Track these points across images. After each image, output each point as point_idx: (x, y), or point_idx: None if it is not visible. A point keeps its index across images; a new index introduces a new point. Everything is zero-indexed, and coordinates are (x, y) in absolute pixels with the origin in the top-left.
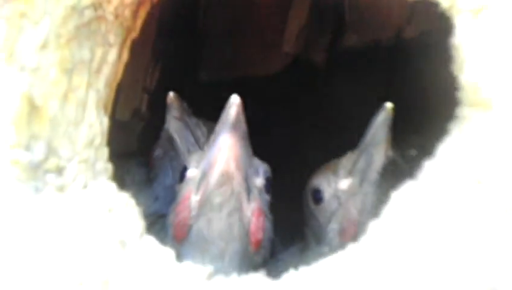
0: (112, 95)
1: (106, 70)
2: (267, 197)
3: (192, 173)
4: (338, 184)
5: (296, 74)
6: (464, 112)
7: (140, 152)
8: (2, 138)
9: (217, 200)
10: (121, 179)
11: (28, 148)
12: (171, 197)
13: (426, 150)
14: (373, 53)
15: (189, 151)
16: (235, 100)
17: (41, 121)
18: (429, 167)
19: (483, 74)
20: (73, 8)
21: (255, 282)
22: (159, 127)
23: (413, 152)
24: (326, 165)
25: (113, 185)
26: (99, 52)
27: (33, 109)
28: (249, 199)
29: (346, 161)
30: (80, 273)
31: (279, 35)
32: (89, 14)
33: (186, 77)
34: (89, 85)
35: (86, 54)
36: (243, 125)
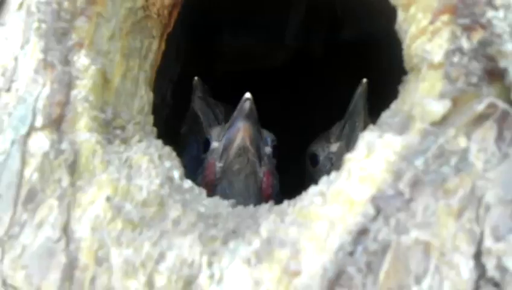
0: (154, 76)
1: (151, 56)
2: (274, 160)
3: (215, 145)
4: (330, 148)
5: (298, 66)
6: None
7: (167, 135)
8: (86, 101)
9: (236, 166)
10: None
11: (102, 110)
12: (197, 165)
13: None
14: (366, 45)
15: (210, 126)
16: (248, 96)
17: (110, 91)
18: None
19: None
20: (130, 9)
21: (265, 207)
22: (181, 113)
23: None
24: (321, 134)
25: (159, 141)
26: (146, 42)
27: (105, 81)
28: (260, 165)
29: (335, 129)
30: (142, 194)
31: (283, 30)
32: (140, 13)
33: (203, 69)
34: (140, 67)
35: (137, 43)
36: (255, 113)
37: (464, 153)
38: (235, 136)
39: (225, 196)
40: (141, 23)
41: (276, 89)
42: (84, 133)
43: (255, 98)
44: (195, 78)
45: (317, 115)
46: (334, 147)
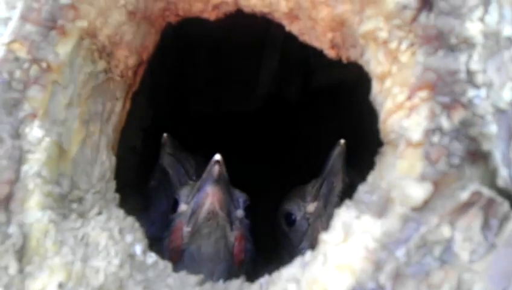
0: (118, 137)
1: (114, 119)
2: (247, 222)
3: (183, 207)
4: (306, 208)
5: (273, 110)
6: (382, 148)
7: (137, 183)
8: (38, 176)
9: (205, 231)
10: (121, 207)
11: (57, 183)
12: (166, 222)
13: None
14: (338, 91)
15: (180, 182)
16: (217, 158)
17: (66, 162)
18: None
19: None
20: (91, 74)
21: (236, 284)
22: (152, 160)
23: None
24: (294, 191)
25: (121, 211)
26: (109, 105)
27: (61, 152)
28: (232, 229)
29: (311, 187)
30: (99, 279)
31: (256, 76)
32: (102, 77)
33: (176, 115)
34: (101, 131)
35: (99, 107)
36: (225, 176)
37: (448, 243)
38: (204, 200)
39: (193, 262)
40: (103, 86)
41: (249, 134)
42: (35, 212)
43: (227, 149)
44: (164, 134)
45: (291, 167)
46: (311, 207)
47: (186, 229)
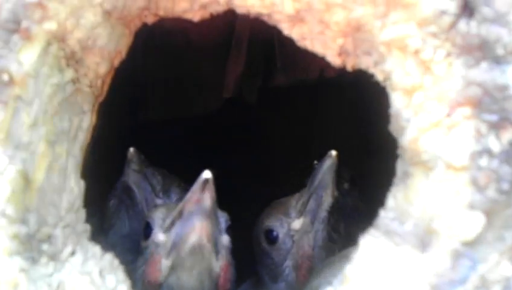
0: (84, 156)
1: (81, 135)
2: (229, 245)
3: (160, 237)
4: (291, 224)
5: (230, 112)
6: (406, 168)
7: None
8: (3, 216)
9: (188, 264)
10: None
11: (23, 221)
12: (128, 245)
13: (355, 183)
14: (298, 91)
15: (146, 201)
16: (207, 176)
17: (31, 193)
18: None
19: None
20: (58, 85)
21: None
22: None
23: (346, 185)
24: (274, 206)
25: (97, 247)
26: (76, 120)
27: (26, 182)
28: (217, 259)
29: (296, 202)
30: None
31: (217, 78)
32: (69, 88)
33: (127, 118)
34: (68, 152)
35: (65, 124)
36: (215, 205)
37: (508, 281)
38: (189, 234)
39: None
40: (70, 98)
41: (207, 139)
42: (1, 260)
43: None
44: (131, 149)
45: (253, 173)
46: (297, 224)
47: (166, 263)
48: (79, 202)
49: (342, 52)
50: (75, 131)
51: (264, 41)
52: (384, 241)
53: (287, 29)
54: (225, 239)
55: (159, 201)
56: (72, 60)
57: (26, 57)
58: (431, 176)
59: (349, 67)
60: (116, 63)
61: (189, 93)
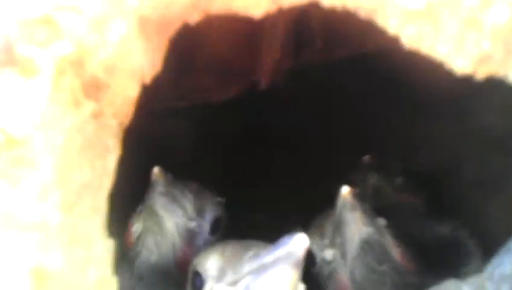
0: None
1: (107, 182)
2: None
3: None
4: (323, 252)
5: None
6: None
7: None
8: None
9: None
10: None
11: None
12: (158, 277)
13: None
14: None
15: (177, 226)
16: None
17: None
18: None
19: None
20: (74, 128)
21: None
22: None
23: (398, 180)
24: (315, 221)
25: None
26: (99, 165)
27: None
28: None
29: (329, 225)
30: None
31: (241, 64)
32: (90, 127)
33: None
34: (92, 210)
35: (87, 176)
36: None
37: None
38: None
39: None
40: (91, 139)
41: (225, 128)
42: None
43: None
44: (155, 169)
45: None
46: (329, 255)
47: None
48: (109, 271)
49: None
50: (99, 179)
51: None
52: None
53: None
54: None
55: (192, 224)
56: (93, 88)
57: (29, 103)
58: None
59: None
60: (148, 80)
61: (202, 79)
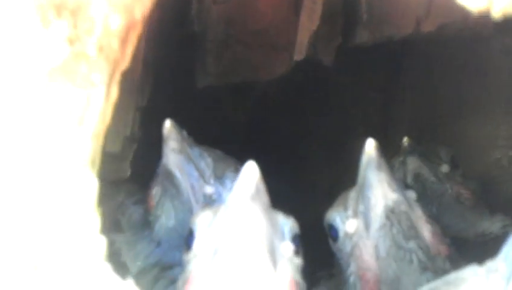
0: (101, 145)
1: (91, 119)
2: (298, 261)
3: (200, 247)
4: (346, 224)
5: (302, 76)
6: None
7: (133, 178)
8: None
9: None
10: (115, 221)
11: None
12: (176, 241)
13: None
14: (384, 50)
15: (193, 189)
16: (251, 168)
17: None
18: None
19: None
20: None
21: None
22: (153, 147)
23: (444, 168)
24: (341, 195)
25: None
26: (81, 98)
27: None
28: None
29: (353, 196)
30: None
31: (285, 39)
32: (63, 52)
33: (180, 86)
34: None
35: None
36: (264, 196)
37: None
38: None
39: None
40: (67, 68)
41: (273, 107)
42: None
43: None
44: (167, 122)
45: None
46: (351, 227)
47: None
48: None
49: None
50: (82, 113)
51: None
52: None
53: None
54: (288, 248)
55: (209, 189)
56: (65, 8)
57: None
58: None
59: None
60: (139, 15)
61: (251, 56)
